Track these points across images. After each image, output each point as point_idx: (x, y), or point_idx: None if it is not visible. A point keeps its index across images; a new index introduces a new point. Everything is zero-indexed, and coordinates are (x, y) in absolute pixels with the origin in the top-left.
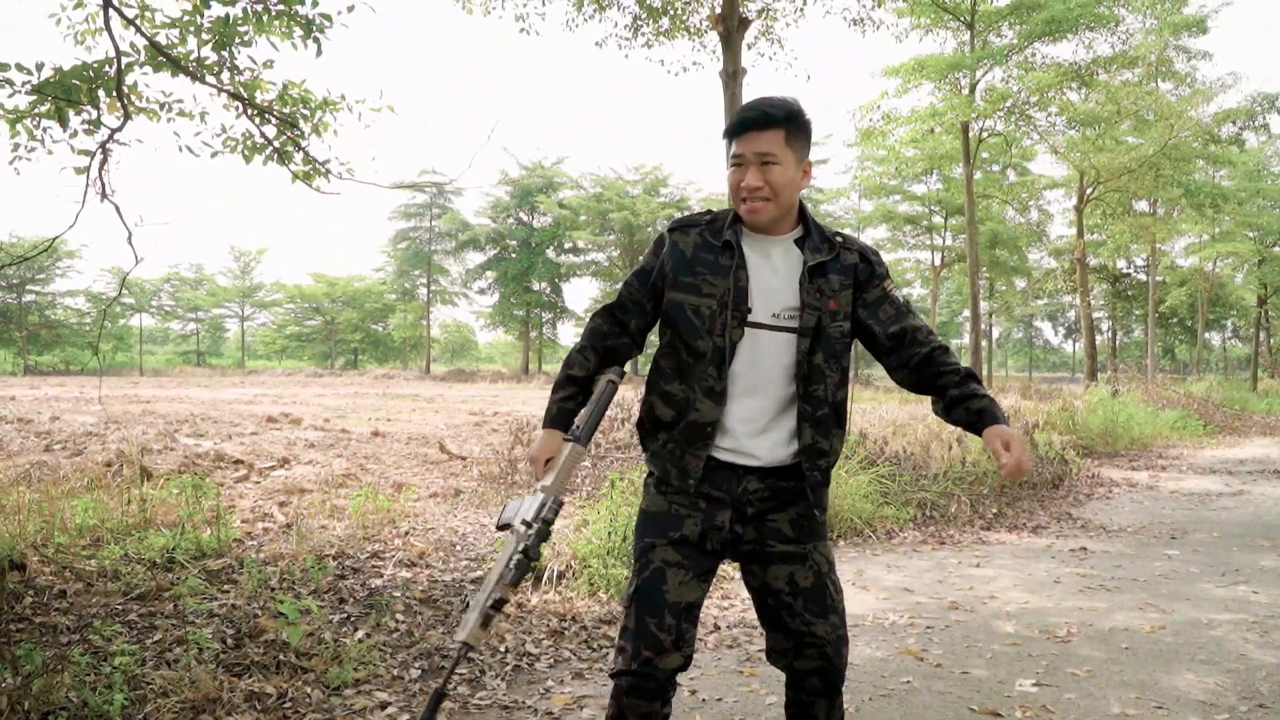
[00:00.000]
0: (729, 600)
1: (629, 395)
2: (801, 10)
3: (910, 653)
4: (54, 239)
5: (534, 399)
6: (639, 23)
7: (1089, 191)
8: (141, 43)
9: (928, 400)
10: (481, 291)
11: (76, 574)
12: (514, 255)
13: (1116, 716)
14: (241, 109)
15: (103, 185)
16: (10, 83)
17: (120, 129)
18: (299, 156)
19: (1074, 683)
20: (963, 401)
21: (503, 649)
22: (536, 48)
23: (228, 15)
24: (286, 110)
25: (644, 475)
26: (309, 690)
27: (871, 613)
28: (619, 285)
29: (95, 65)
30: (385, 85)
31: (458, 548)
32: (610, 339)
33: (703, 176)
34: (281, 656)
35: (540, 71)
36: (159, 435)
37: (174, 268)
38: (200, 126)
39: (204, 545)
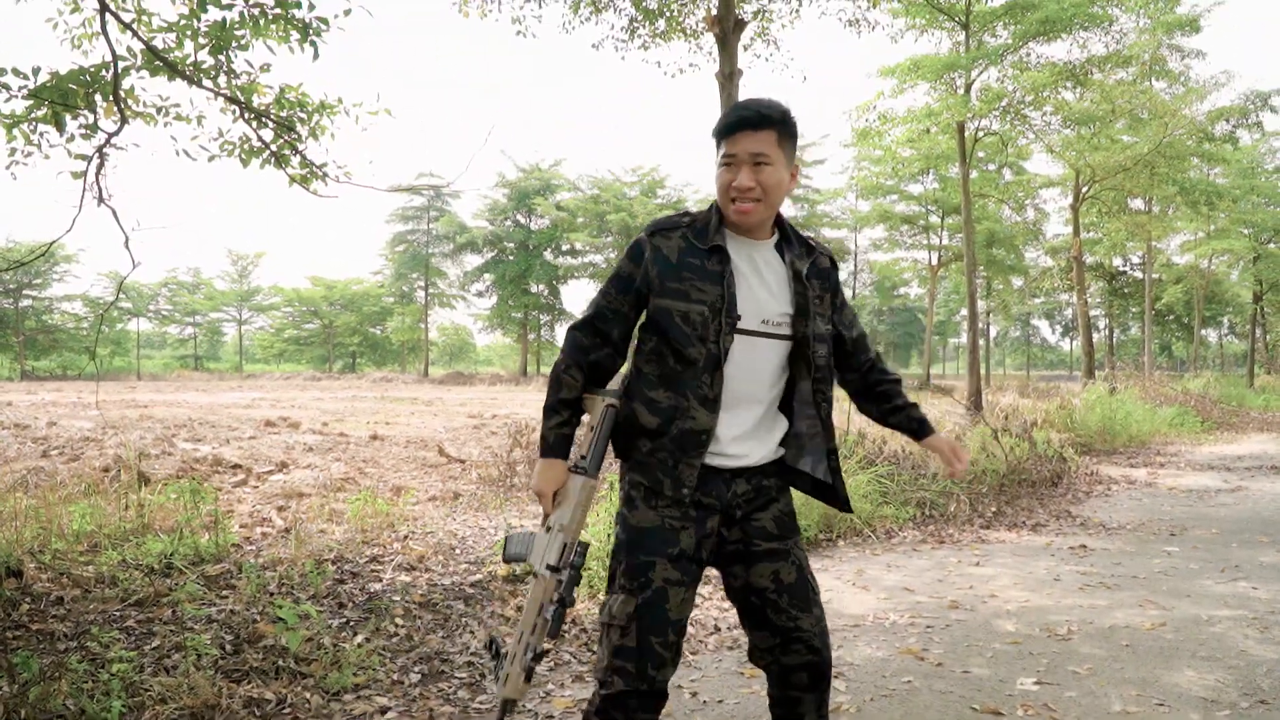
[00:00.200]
0: (729, 602)
1: None
2: (797, 11)
3: (911, 652)
4: (51, 243)
5: (532, 401)
6: (635, 25)
7: (1085, 190)
8: (138, 47)
9: (926, 399)
10: (479, 294)
11: (74, 580)
12: (512, 258)
13: (1118, 714)
14: (238, 113)
15: (100, 189)
16: (7, 87)
17: (117, 133)
18: (296, 160)
19: (1075, 681)
20: (905, 409)
21: (503, 653)
22: (535, 50)
23: (224, 19)
24: (283, 114)
25: (624, 487)
26: (308, 696)
27: (872, 612)
28: (597, 297)
29: (92, 69)
30: (383, 88)
31: (457, 551)
32: (594, 352)
33: (700, 178)
34: (280, 662)
35: (538, 73)
36: (156, 440)
37: (171, 272)
38: (197, 130)
39: (202, 550)
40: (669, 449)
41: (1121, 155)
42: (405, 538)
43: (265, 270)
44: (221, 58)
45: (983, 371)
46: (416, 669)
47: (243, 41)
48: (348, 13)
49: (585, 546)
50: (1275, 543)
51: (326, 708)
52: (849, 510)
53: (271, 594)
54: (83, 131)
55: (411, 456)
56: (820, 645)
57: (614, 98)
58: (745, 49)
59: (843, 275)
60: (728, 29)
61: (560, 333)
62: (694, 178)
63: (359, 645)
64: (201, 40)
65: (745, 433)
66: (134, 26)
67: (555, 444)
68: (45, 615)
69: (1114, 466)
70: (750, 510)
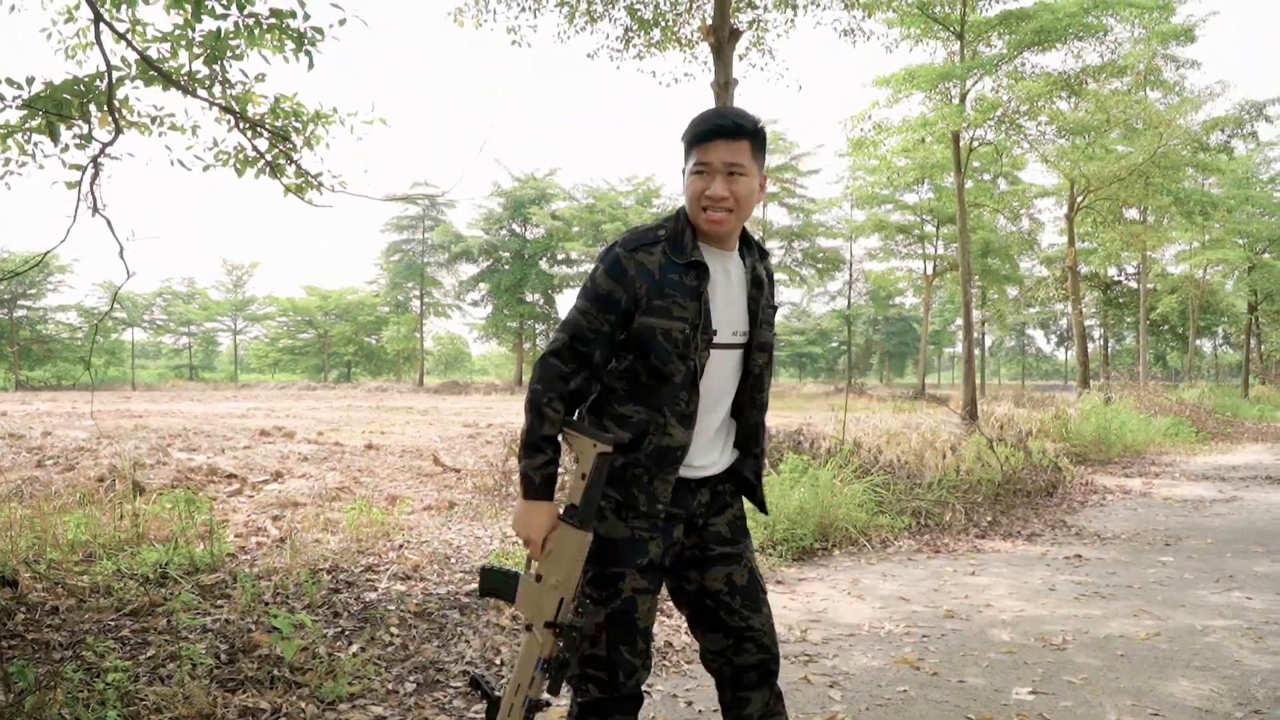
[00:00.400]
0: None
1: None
2: (792, 21)
3: (906, 662)
4: (45, 254)
5: None
6: (630, 34)
7: (1079, 200)
8: (133, 57)
9: (921, 408)
10: (475, 303)
11: (69, 590)
12: (507, 267)
13: None
14: (233, 122)
15: (94, 199)
16: (1, 97)
17: (111, 143)
18: (291, 170)
19: (1070, 690)
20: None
21: (498, 662)
22: (533, 52)
23: (219, 29)
24: (278, 123)
25: None
26: (303, 705)
27: (867, 622)
28: (574, 317)
29: (86, 80)
30: (380, 91)
31: (452, 560)
32: (573, 379)
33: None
34: (276, 671)
35: (537, 76)
36: (151, 450)
37: (166, 282)
38: (192, 140)
39: (197, 560)
40: (644, 465)
41: (1116, 165)
42: (400, 547)
43: (260, 280)
44: (216, 67)
45: (978, 381)
46: (411, 678)
47: (237, 51)
48: (342, 23)
49: (586, 607)
50: (1270, 553)
51: (321, 717)
52: (765, 512)
53: (266, 603)
54: (77, 141)
55: (407, 466)
56: (770, 643)
57: (612, 100)
58: (740, 58)
59: (838, 284)
60: (723, 38)
61: None
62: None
63: (354, 655)
64: (196, 50)
65: (708, 442)
66: (128, 36)
67: (542, 486)
68: (40, 625)
69: (1109, 476)
70: (708, 516)
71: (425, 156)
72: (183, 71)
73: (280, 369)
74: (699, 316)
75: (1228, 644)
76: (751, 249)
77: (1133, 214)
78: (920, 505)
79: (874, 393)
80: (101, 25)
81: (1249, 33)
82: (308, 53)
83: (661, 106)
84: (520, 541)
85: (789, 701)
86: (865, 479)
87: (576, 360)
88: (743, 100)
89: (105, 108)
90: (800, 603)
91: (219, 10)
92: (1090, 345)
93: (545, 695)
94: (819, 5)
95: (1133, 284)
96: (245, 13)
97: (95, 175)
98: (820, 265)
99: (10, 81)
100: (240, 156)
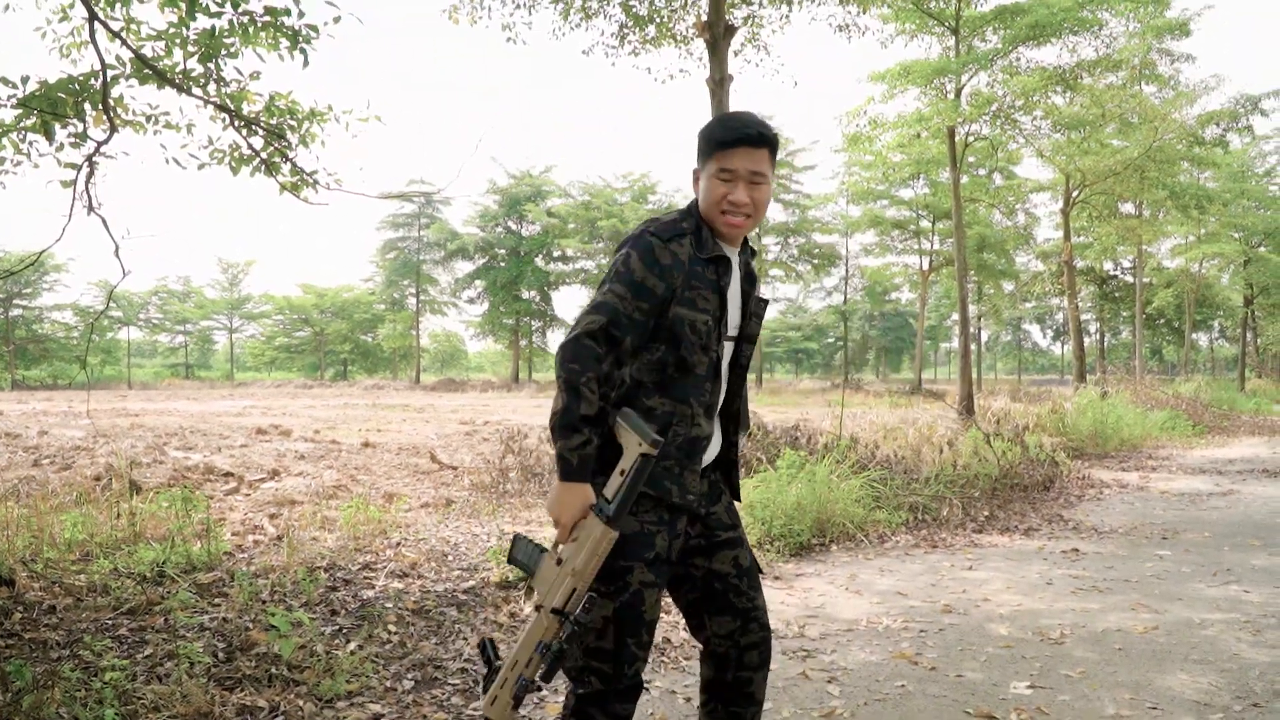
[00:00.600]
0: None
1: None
2: (787, 17)
3: (904, 656)
4: (41, 252)
5: (524, 407)
6: (625, 31)
7: (1075, 194)
8: (127, 55)
9: (918, 403)
10: (471, 301)
11: (66, 589)
12: (503, 264)
13: (1111, 718)
14: (228, 120)
15: (89, 198)
16: None
17: (106, 142)
18: (286, 167)
19: (1068, 684)
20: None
21: (495, 665)
22: (533, 52)
23: (214, 27)
24: (273, 121)
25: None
26: (301, 703)
27: (865, 617)
28: (609, 301)
29: (81, 78)
30: (380, 92)
31: (450, 558)
32: (604, 363)
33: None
34: (273, 669)
35: (536, 76)
36: (148, 448)
37: (161, 280)
38: (187, 138)
39: (194, 558)
40: (675, 456)
41: (1111, 159)
42: (398, 544)
43: (256, 278)
44: (211, 65)
45: (974, 376)
46: (409, 676)
47: (232, 49)
48: (337, 20)
49: (594, 600)
50: (1267, 546)
51: (319, 715)
52: (738, 499)
53: (264, 601)
54: (72, 140)
55: (404, 463)
56: (768, 622)
57: (611, 100)
58: (735, 54)
59: (834, 280)
60: (718, 35)
61: (552, 339)
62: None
63: (352, 652)
64: (191, 48)
65: (713, 431)
66: (123, 35)
67: (580, 467)
68: (38, 624)
69: (1106, 470)
70: (709, 505)
71: (422, 155)
72: (177, 70)
73: (276, 367)
74: (720, 310)
75: (1225, 637)
76: (745, 247)
77: (1128, 208)
78: (917, 500)
79: (870, 388)
80: (96, 24)
81: (1244, 26)
82: (302, 50)
83: (661, 106)
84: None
85: (787, 697)
86: (862, 474)
87: (609, 344)
88: (738, 96)
89: (100, 106)
90: (798, 598)
91: (213, 8)
92: (1086, 339)
93: (538, 679)
94: (814, 0)
95: (1128, 278)
96: (240, 10)
97: (90, 174)
98: (816, 261)
99: (5, 80)
100: (235, 154)
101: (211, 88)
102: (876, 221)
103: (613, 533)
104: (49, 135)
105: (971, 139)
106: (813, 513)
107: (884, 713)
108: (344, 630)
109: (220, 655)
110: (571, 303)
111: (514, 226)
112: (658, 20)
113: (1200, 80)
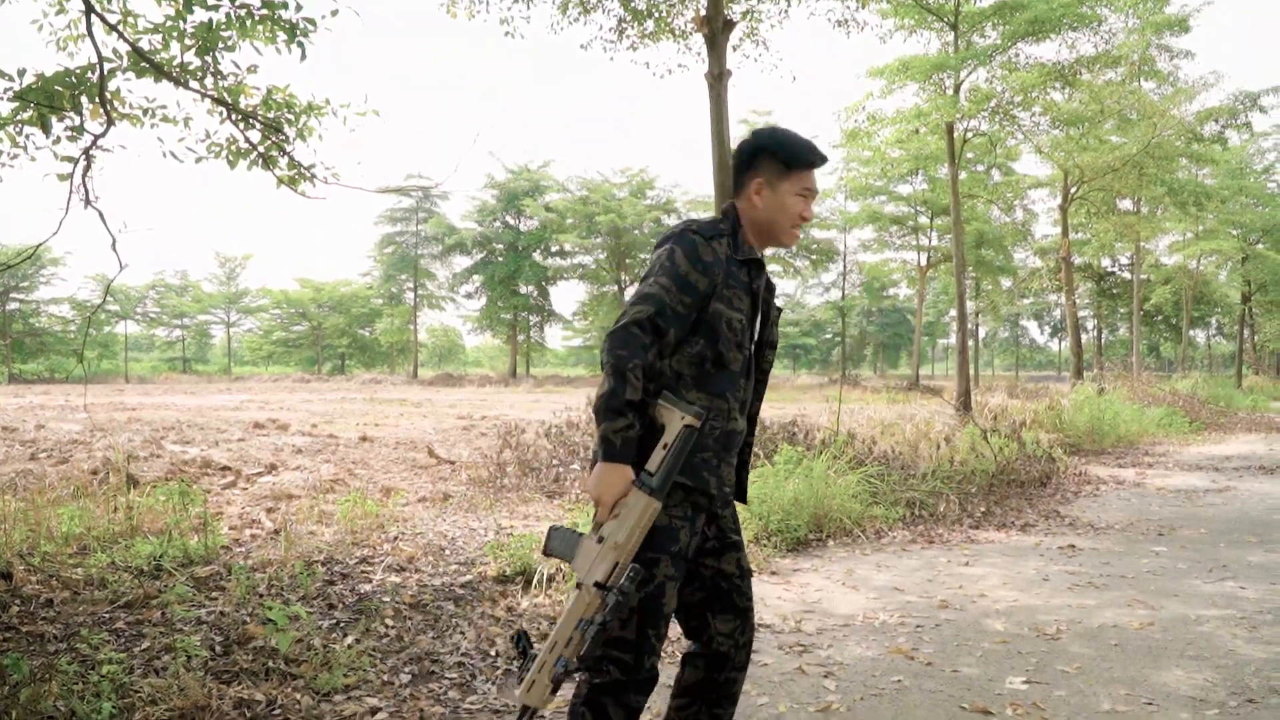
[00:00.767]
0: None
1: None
2: (786, 12)
3: (901, 651)
4: (37, 246)
5: (521, 402)
6: (623, 25)
7: (1073, 191)
8: (124, 48)
9: (915, 399)
10: (468, 295)
11: (63, 582)
12: (501, 259)
13: (1107, 713)
14: (225, 114)
15: (86, 192)
16: None
17: (103, 135)
18: (284, 161)
19: (1064, 680)
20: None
21: (493, 653)
22: (532, 51)
23: (211, 20)
24: (271, 115)
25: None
26: (298, 697)
27: (862, 612)
28: (656, 293)
29: (78, 71)
30: (381, 90)
31: (447, 552)
32: (650, 352)
33: (688, 179)
34: (270, 663)
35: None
36: (145, 442)
37: (159, 274)
38: (184, 132)
39: (191, 552)
40: (713, 449)
41: (1110, 156)
42: (395, 539)
43: (253, 272)
44: (208, 59)
45: (971, 372)
46: (407, 670)
47: (229, 43)
48: (334, 13)
49: (638, 571)
50: (1263, 542)
51: (317, 709)
52: (745, 501)
53: (261, 595)
54: (69, 133)
55: (401, 458)
56: (754, 622)
57: (612, 99)
58: (734, 49)
59: (832, 276)
60: (716, 29)
61: (549, 334)
62: (683, 179)
63: (349, 646)
64: (188, 41)
65: (745, 428)
66: (120, 28)
67: (623, 449)
68: (35, 617)
69: (1102, 467)
70: (722, 507)
71: (420, 150)
72: (174, 63)
73: (274, 361)
74: (753, 311)
75: (1221, 633)
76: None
77: (1126, 205)
78: (914, 496)
79: (868, 384)
80: (93, 16)
81: (1243, 23)
82: (300, 44)
83: (662, 104)
84: (592, 502)
85: (784, 692)
86: (859, 470)
87: (654, 334)
88: (736, 92)
89: (97, 99)
90: (795, 593)
91: (210, 1)
92: (1084, 336)
93: (578, 659)
94: None
95: (1126, 275)
96: (237, 4)
97: (87, 167)
98: (814, 257)
99: (1, 73)
100: (233, 148)
101: (209, 81)
102: (875, 217)
103: (656, 503)
104: (46, 128)
105: (970, 135)
106: (810, 508)
107: (880, 707)
108: (341, 624)
109: (217, 649)
110: (569, 298)
111: (512, 221)
112: (656, 15)
113: (1199, 77)
